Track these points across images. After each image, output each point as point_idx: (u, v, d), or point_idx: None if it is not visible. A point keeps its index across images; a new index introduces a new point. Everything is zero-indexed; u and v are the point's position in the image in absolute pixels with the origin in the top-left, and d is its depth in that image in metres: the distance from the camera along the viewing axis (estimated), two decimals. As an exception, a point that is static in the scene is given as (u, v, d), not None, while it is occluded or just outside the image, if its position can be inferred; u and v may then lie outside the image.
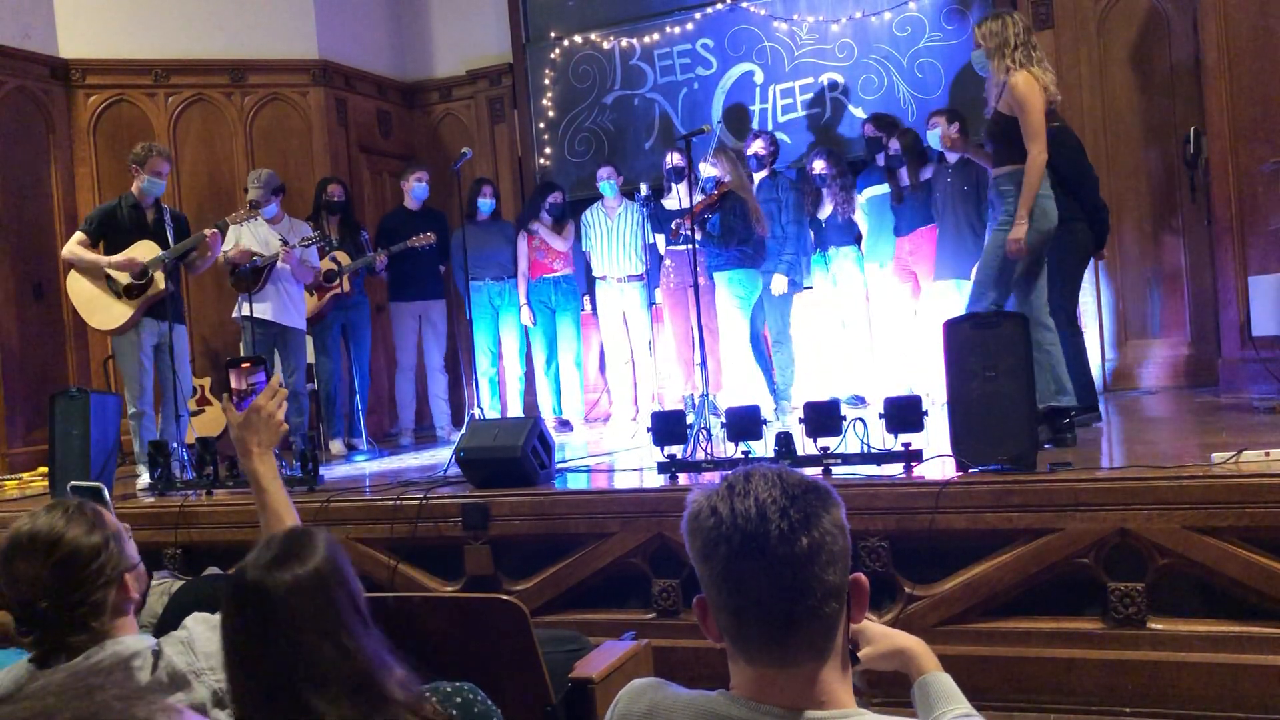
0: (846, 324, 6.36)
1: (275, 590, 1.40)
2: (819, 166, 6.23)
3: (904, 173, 6.07)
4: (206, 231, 5.26)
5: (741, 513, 1.15)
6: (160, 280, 5.16)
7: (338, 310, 6.34)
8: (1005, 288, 4.22)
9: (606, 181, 6.62)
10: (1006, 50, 4.15)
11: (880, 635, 1.45)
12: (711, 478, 3.90)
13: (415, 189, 6.67)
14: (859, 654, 1.41)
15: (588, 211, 6.74)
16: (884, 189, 6.15)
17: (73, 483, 2.48)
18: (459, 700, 1.53)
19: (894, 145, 6.07)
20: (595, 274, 6.72)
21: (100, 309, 5.20)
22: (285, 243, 5.78)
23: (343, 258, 6.26)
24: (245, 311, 5.68)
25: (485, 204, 6.72)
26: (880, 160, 6.20)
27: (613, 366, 6.79)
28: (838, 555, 1.16)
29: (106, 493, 2.41)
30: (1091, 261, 5.75)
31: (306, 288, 6.09)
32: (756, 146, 6.25)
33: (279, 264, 5.74)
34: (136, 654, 1.69)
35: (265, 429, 2.04)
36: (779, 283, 6.03)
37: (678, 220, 5.93)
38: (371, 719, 1.39)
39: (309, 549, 1.45)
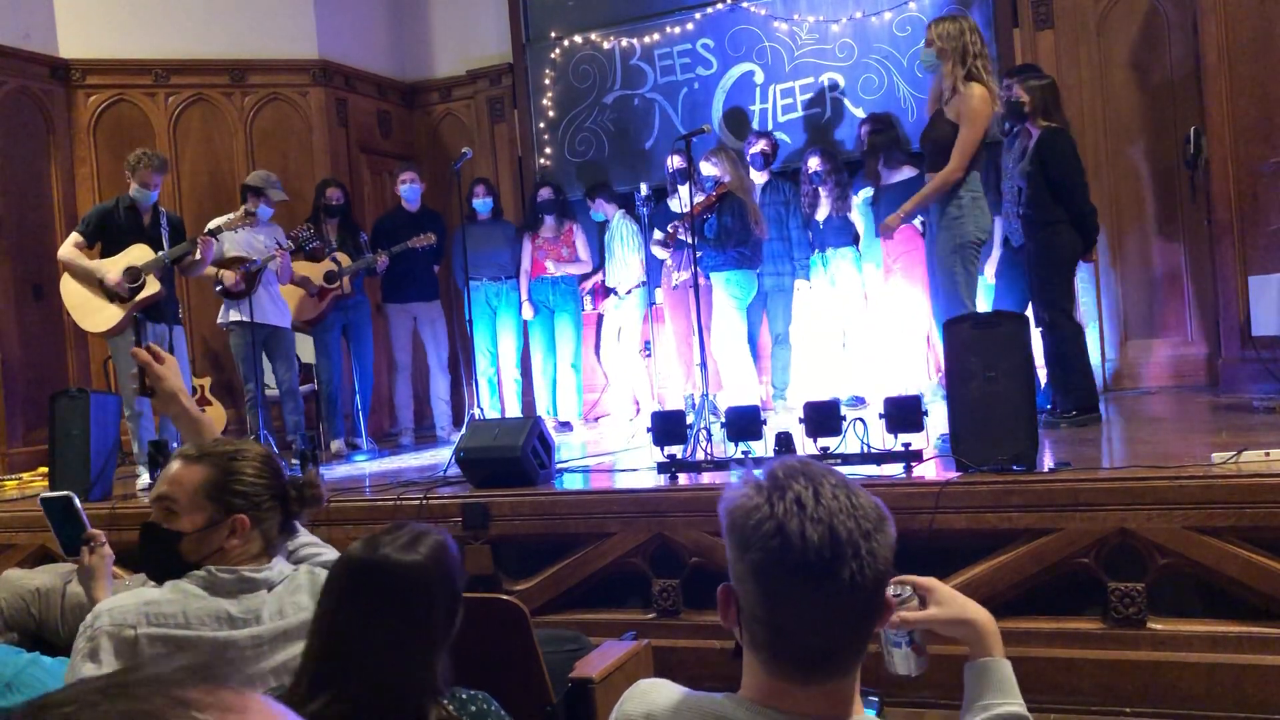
0: (845, 325, 6.35)
1: (388, 568, 1.50)
2: (814, 164, 6.23)
3: (883, 173, 6.09)
4: (200, 238, 5.25)
5: (815, 542, 1.08)
6: (153, 283, 5.15)
7: (338, 311, 6.34)
8: (973, 292, 4.27)
9: (597, 213, 6.77)
10: (967, 58, 4.16)
11: (949, 599, 1.37)
12: (712, 478, 3.91)
13: (403, 190, 6.67)
14: (923, 612, 1.35)
15: (609, 228, 6.82)
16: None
17: (42, 494, 2.49)
18: (473, 709, 1.54)
19: (879, 142, 6.05)
20: (616, 289, 6.78)
21: (92, 311, 5.19)
22: (280, 244, 5.77)
23: (343, 259, 6.26)
24: (233, 317, 5.68)
25: (480, 204, 6.73)
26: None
27: (611, 367, 6.80)
28: (886, 579, 1.14)
29: (77, 501, 2.41)
30: (1091, 263, 5.77)
31: (308, 290, 6.09)
32: (761, 146, 6.30)
33: (271, 266, 5.74)
34: (309, 571, 1.94)
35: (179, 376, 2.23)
36: (802, 287, 6.22)
37: (674, 224, 5.96)
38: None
39: (424, 545, 1.55)
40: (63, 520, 2.39)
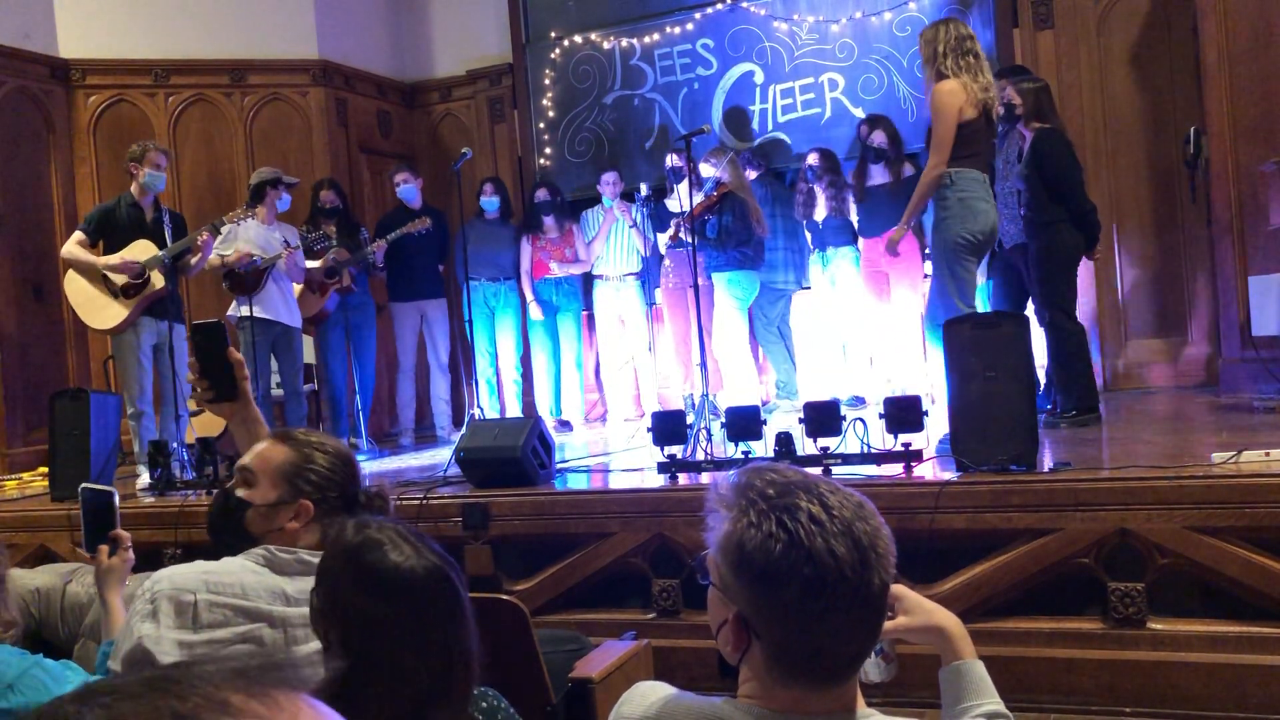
0: (845, 324, 6.35)
1: (425, 579, 1.46)
2: (812, 159, 6.23)
3: (875, 170, 5.98)
4: (201, 233, 5.26)
5: (845, 557, 1.06)
6: (158, 279, 5.16)
7: (340, 310, 6.32)
8: (965, 293, 4.26)
9: (609, 198, 6.63)
10: (936, 58, 4.19)
11: (917, 606, 1.37)
12: (712, 478, 3.90)
13: (401, 191, 6.66)
14: (892, 621, 1.36)
15: (588, 212, 6.76)
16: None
17: (84, 485, 2.43)
18: (484, 705, 1.55)
19: (878, 138, 5.95)
20: (594, 273, 6.72)
21: (98, 309, 5.19)
22: (288, 243, 5.77)
23: (341, 255, 6.22)
24: (244, 311, 5.66)
25: (488, 202, 6.71)
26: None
27: (609, 367, 6.79)
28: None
29: (117, 499, 2.39)
30: (1095, 261, 5.76)
31: (309, 285, 6.08)
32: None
33: (279, 265, 5.73)
34: None
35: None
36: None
37: (676, 221, 5.95)
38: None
39: (426, 542, 1.52)
40: (96, 515, 2.36)
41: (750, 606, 1.10)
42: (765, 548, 1.07)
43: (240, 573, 1.81)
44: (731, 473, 1.17)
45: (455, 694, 1.44)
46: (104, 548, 2.29)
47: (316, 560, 1.80)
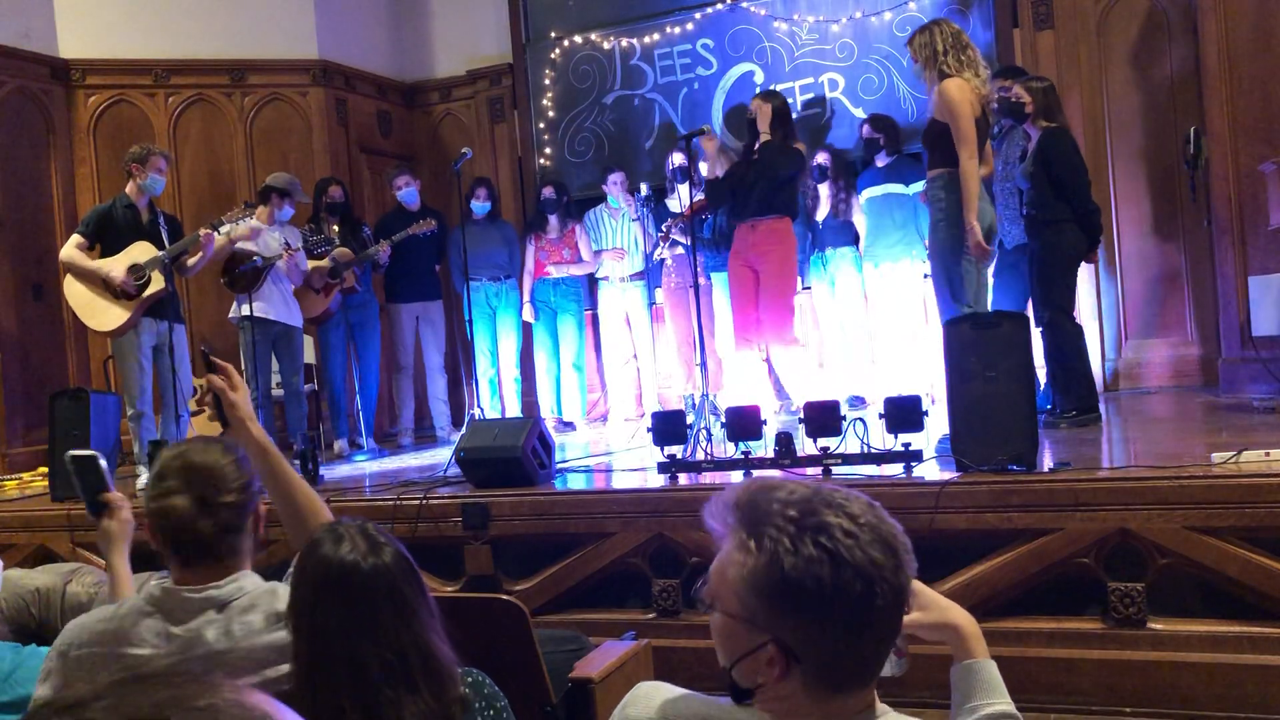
0: (845, 325, 6.35)
1: (372, 575, 1.50)
2: (822, 159, 6.21)
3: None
4: (201, 231, 5.26)
5: (881, 563, 1.05)
6: (158, 280, 5.16)
7: (342, 310, 6.32)
8: (964, 287, 4.25)
9: (615, 198, 6.63)
10: (938, 58, 4.21)
11: (932, 602, 1.37)
12: (712, 478, 3.91)
13: (401, 195, 6.65)
14: (907, 616, 1.33)
15: (591, 213, 6.76)
16: (883, 189, 6.11)
17: (69, 453, 2.44)
18: (469, 680, 1.58)
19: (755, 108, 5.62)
20: (598, 274, 6.73)
21: (98, 311, 5.20)
22: (288, 245, 5.77)
23: (343, 254, 6.22)
24: (245, 311, 5.66)
25: (478, 206, 6.69)
26: (879, 161, 6.17)
27: (612, 367, 6.78)
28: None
29: (102, 461, 2.38)
30: (1092, 263, 5.77)
31: (311, 285, 6.08)
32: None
33: (278, 266, 5.74)
34: (270, 590, 1.79)
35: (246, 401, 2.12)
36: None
37: (668, 222, 5.95)
38: (442, 711, 1.47)
39: (383, 540, 1.56)
40: (88, 481, 2.37)
41: (795, 633, 1.04)
42: (811, 572, 1.02)
43: (132, 617, 1.74)
44: (728, 496, 1.11)
45: (421, 686, 1.46)
46: (105, 513, 2.29)
47: (200, 596, 1.74)
